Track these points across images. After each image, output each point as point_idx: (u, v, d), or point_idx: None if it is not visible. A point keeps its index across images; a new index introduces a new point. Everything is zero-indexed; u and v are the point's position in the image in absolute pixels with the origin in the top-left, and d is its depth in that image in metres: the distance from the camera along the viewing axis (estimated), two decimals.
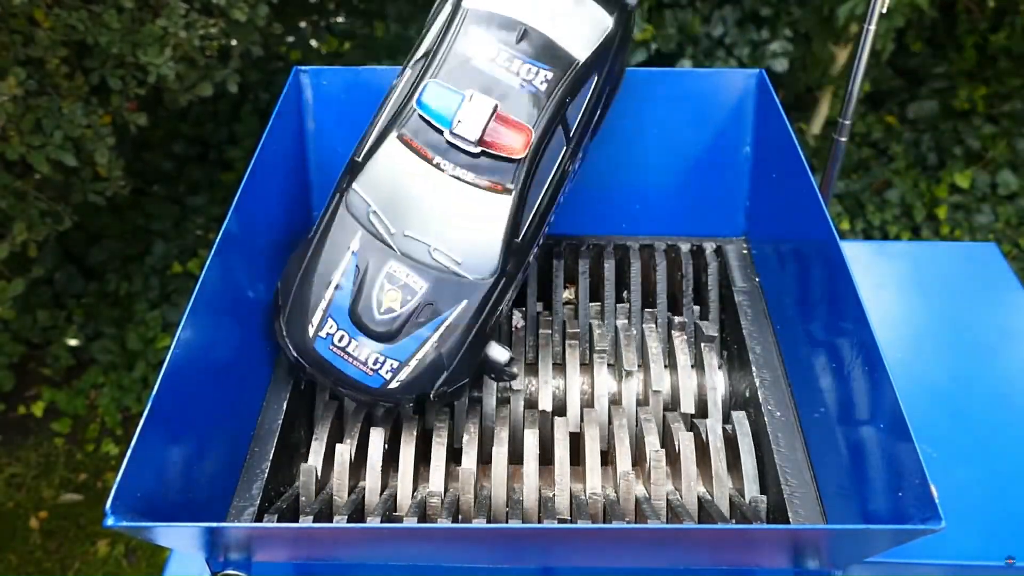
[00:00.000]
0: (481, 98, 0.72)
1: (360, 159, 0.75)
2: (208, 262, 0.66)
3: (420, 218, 0.73)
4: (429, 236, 0.73)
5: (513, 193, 0.72)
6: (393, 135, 0.74)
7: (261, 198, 0.79)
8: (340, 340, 0.72)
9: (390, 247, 0.73)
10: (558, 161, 0.75)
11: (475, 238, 0.72)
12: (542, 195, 0.74)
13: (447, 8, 0.76)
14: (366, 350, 0.71)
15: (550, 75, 0.74)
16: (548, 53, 0.74)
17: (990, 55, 2.57)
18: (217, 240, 0.68)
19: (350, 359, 0.72)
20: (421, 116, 0.73)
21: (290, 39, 2.60)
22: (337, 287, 0.73)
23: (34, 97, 1.50)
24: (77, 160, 1.53)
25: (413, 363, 0.72)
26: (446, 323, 0.72)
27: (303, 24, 2.66)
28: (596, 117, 0.78)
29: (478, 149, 0.71)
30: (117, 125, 1.69)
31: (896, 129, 2.62)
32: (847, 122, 0.97)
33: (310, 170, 0.93)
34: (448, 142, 0.72)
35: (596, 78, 0.76)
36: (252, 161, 0.75)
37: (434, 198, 0.73)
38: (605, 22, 0.76)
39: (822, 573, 0.60)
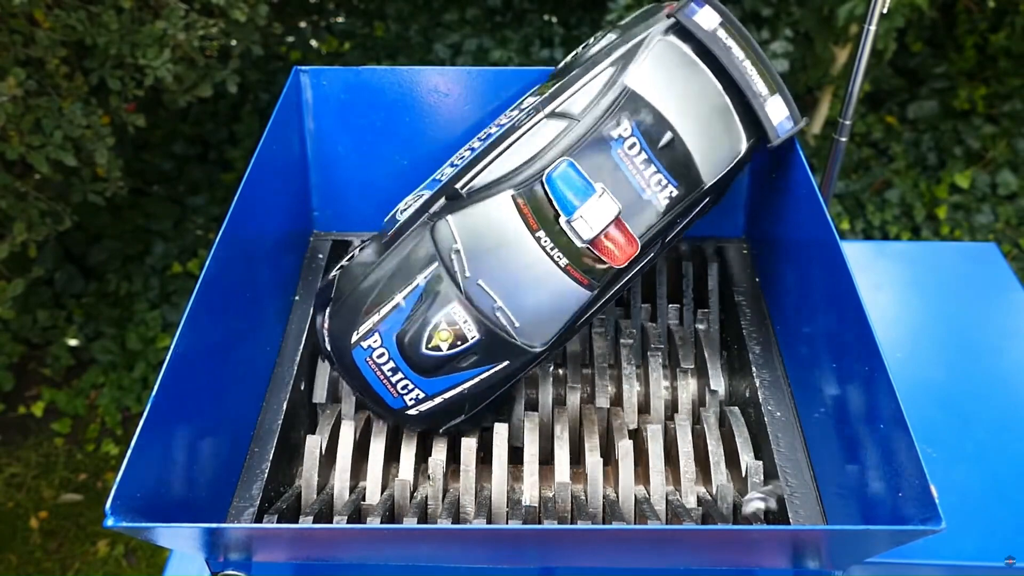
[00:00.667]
0: (608, 200, 0.71)
1: (464, 192, 0.73)
2: (208, 262, 0.66)
3: (498, 274, 0.72)
4: (499, 293, 0.72)
5: (594, 291, 0.72)
6: (509, 192, 0.72)
7: (261, 198, 0.78)
8: (379, 357, 0.72)
9: (459, 288, 0.72)
10: (640, 266, 0.74)
11: (540, 311, 0.72)
12: (612, 292, 0.75)
13: (606, 71, 0.73)
14: (400, 375, 0.72)
15: (675, 193, 0.72)
16: (682, 169, 0.72)
17: (990, 55, 2.57)
18: (217, 240, 0.68)
19: (381, 377, 0.72)
20: (544, 188, 0.72)
21: (290, 39, 2.60)
22: (396, 307, 0.72)
23: (34, 97, 1.50)
24: (77, 160, 1.53)
25: (438, 400, 0.72)
26: (482, 376, 0.72)
27: (303, 24, 2.67)
28: (685, 229, 0.77)
29: (584, 247, 0.71)
30: (116, 125, 1.69)
31: (896, 129, 2.62)
32: (847, 122, 0.97)
33: (310, 170, 0.93)
34: (561, 228, 0.71)
35: (708, 201, 0.74)
36: (252, 161, 0.75)
37: (519, 262, 0.72)
38: (739, 145, 0.74)
39: (822, 573, 0.60)
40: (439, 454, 0.74)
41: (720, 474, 0.71)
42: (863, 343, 0.61)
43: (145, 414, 0.54)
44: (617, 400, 0.82)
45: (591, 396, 0.83)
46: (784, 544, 0.57)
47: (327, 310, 0.75)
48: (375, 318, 0.72)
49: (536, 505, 0.72)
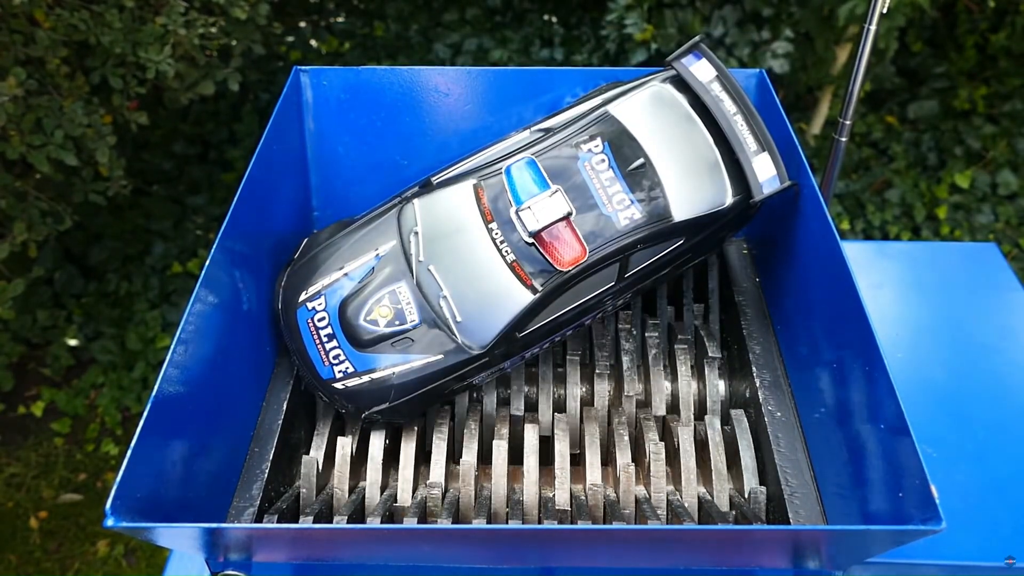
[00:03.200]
0: (560, 199, 0.72)
1: (435, 182, 0.76)
2: (208, 262, 0.66)
3: (449, 263, 0.73)
4: (447, 282, 0.73)
5: (537, 295, 0.72)
6: (471, 181, 0.75)
7: (261, 198, 0.78)
8: (320, 321, 0.73)
9: (410, 270, 0.74)
10: (598, 291, 0.74)
11: (483, 310, 0.73)
12: (565, 311, 0.74)
13: (596, 100, 0.76)
14: (334, 343, 0.73)
15: (637, 216, 0.73)
16: (648, 196, 0.73)
17: (990, 55, 2.57)
18: (217, 240, 0.68)
19: (317, 341, 0.73)
20: (503, 179, 0.73)
21: (290, 39, 2.60)
22: (345, 275, 0.74)
23: (35, 97, 1.49)
24: (78, 160, 1.53)
25: (365, 379, 0.72)
26: (412, 364, 0.72)
27: (303, 24, 2.67)
28: (663, 274, 0.77)
29: (530, 240, 0.72)
30: (118, 124, 1.69)
31: (896, 129, 2.62)
32: (847, 122, 0.97)
33: (310, 170, 0.93)
34: (511, 219, 0.73)
35: (681, 243, 0.74)
36: (252, 161, 0.75)
37: (471, 255, 0.73)
38: (721, 198, 0.74)
39: (822, 573, 0.60)
40: (439, 454, 0.74)
41: (720, 474, 0.71)
42: (863, 343, 0.61)
43: (145, 414, 0.54)
44: (615, 401, 0.82)
45: (591, 396, 0.83)
46: (784, 544, 0.57)
47: (288, 269, 0.78)
48: (325, 281, 0.74)
49: (567, 508, 0.71)
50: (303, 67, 0.90)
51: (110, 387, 2.14)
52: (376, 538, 0.59)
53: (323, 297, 0.74)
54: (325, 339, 0.73)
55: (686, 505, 0.70)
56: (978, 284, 1.22)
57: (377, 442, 0.75)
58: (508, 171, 0.73)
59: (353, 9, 2.73)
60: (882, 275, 1.24)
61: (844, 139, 0.99)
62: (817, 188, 0.73)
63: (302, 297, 0.75)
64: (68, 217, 1.68)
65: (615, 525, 0.66)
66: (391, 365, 0.72)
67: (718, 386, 0.80)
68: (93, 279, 2.27)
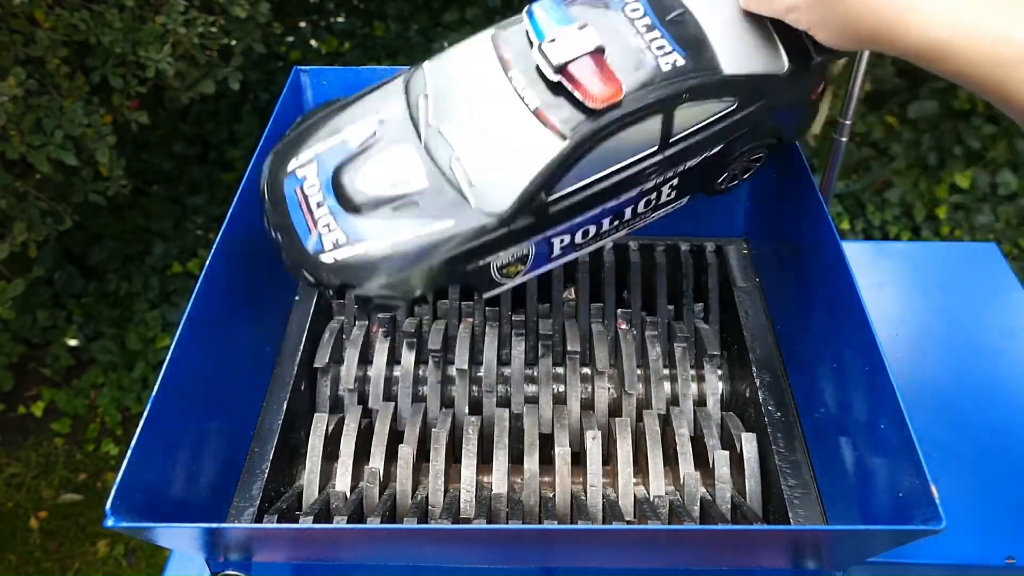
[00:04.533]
0: (590, 33, 0.61)
1: (448, 46, 0.68)
2: (208, 262, 0.66)
3: (463, 123, 0.63)
4: (460, 144, 0.62)
5: (567, 142, 0.60)
6: (490, 32, 0.65)
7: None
8: (309, 188, 0.63)
9: (418, 135, 0.63)
10: (639, 157, 0.62)
11: (504, 168, 0.61)
12: (601, 176, 0.62)
13: None
14: (325, 209, 0.62)
15: (681, 63, 0.62)
16: (693, 45, 0.63)
17: None
18: (217, 240, 0.68)
19: (305, 209, 0.63)
20: (524, 21, 0.63)
21: (290, 39, 2.60)
22: (342, 141, 0.64)
23: (34, 97, 1.50)
24: (78, 160, 1.53)
25: (358, 249, 0.60)
26: (416, 231, 0.60)
27: (303, 24, 2.66)
28: (712, 154, 0.65)
29: (556, 77, 0.61)
30: (118, 124, 1.69)
31: (896, 129, 2.62)
32: (847, 122, 0.96)
33: None
34: (533, 61, 0.62)
35: (732, 107, 0.64)
36: (252, 161, 0.75)
37: (488, 110, 0.63)
38: (777, 63, 0.65)
39: (822, 574, 0.60)
40: (439, 454, 0.74)
41: (720, 474, 0.71)
42: (863, 343, 0.61)
43: (145, 414, 0.54)
44: (615, 401, 0.82)
45: (591, 398, 0.83)
46: (784, 544, 0.57)
47: (277, 145, 0.68)
48: (319, 147, 0.64)
49: (567, 507, 0.69)
50: (303, 67, 0.90)
51: (110, 387, 2.14)
52: (376, 538, 0.59)
53: (315, 163, 0.63)
54: (314, 206, 0.62)
55: (685, 504, 0.70)
56: (978, 284, 1.22)
57: (377, 442, 0.75)
58: (530, 11, 0.63)
59: (353, 9, 2.73)
60: (882, 275, 1.24)
61: (844, 139, 0.99)
62: (817, 188, 0.73)
63: (291, 166, 0.64)
64: (68, 217, 1.69)
65: (615, 525, 0.66)
66: (389, 232, 0.60)
67: (718, 385, 0.80)
68: (93, 279, 2.27)
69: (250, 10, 1.68)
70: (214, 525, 0.60)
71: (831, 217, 0.70)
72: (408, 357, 0.82)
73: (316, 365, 0.79)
